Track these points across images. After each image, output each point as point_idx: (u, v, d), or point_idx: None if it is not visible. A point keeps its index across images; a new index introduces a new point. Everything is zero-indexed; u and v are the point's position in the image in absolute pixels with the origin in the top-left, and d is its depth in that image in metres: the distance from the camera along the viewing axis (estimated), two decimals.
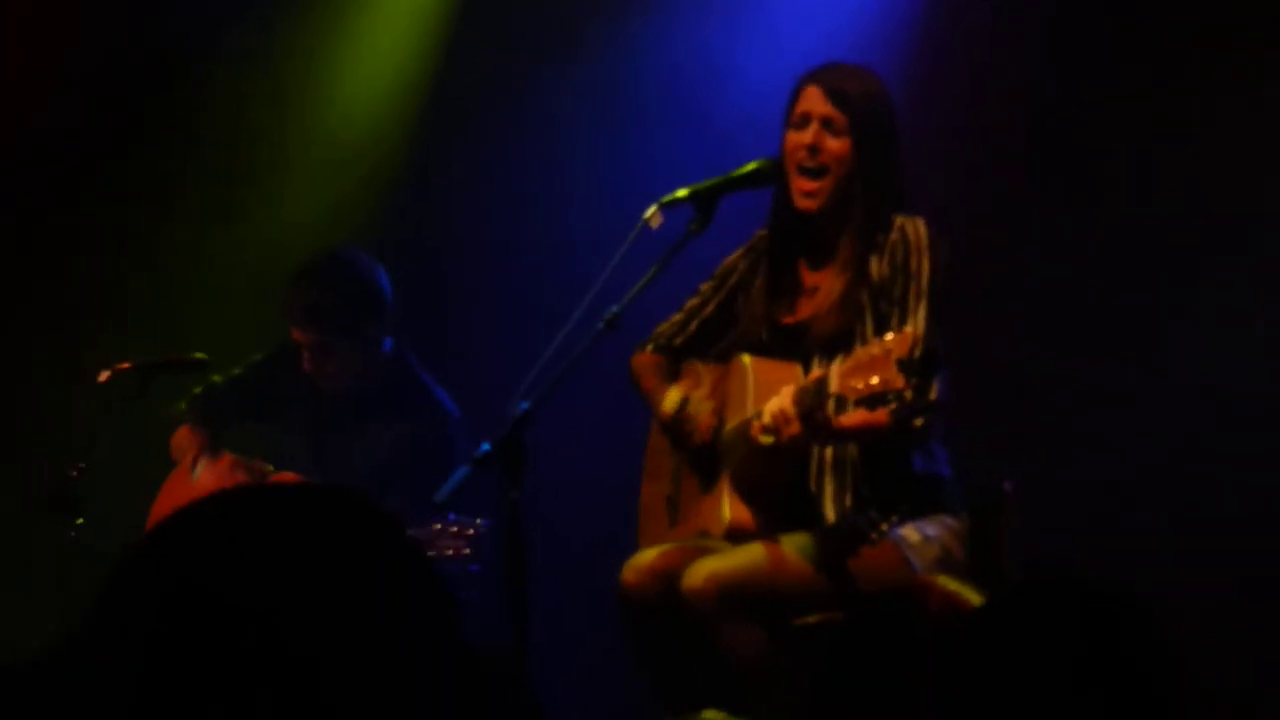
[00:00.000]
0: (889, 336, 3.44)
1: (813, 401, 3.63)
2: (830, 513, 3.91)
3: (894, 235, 3.93)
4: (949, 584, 3.84)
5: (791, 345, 3.98)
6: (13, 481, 5.45)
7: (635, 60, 5.61)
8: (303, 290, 4.89)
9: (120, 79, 5.79)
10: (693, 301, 4.25)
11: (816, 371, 3.68)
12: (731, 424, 3.99)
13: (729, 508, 3.91)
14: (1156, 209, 5.03)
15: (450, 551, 4.27)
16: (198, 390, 5.04)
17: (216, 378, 5.05)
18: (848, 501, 3.91)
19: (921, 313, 3.84)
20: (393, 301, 4.97)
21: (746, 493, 3.92)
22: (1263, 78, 4.96)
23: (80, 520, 4.39)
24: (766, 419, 3.68)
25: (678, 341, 4.26)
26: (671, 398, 4.09)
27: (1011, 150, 5.18)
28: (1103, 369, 5.05)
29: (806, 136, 3.97)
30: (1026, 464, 4.27)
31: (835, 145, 3.96)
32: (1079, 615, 2.74)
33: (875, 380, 3.42)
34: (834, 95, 3.96)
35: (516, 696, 3.63)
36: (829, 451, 3.92)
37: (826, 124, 3.97)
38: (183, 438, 5.02)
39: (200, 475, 4.89)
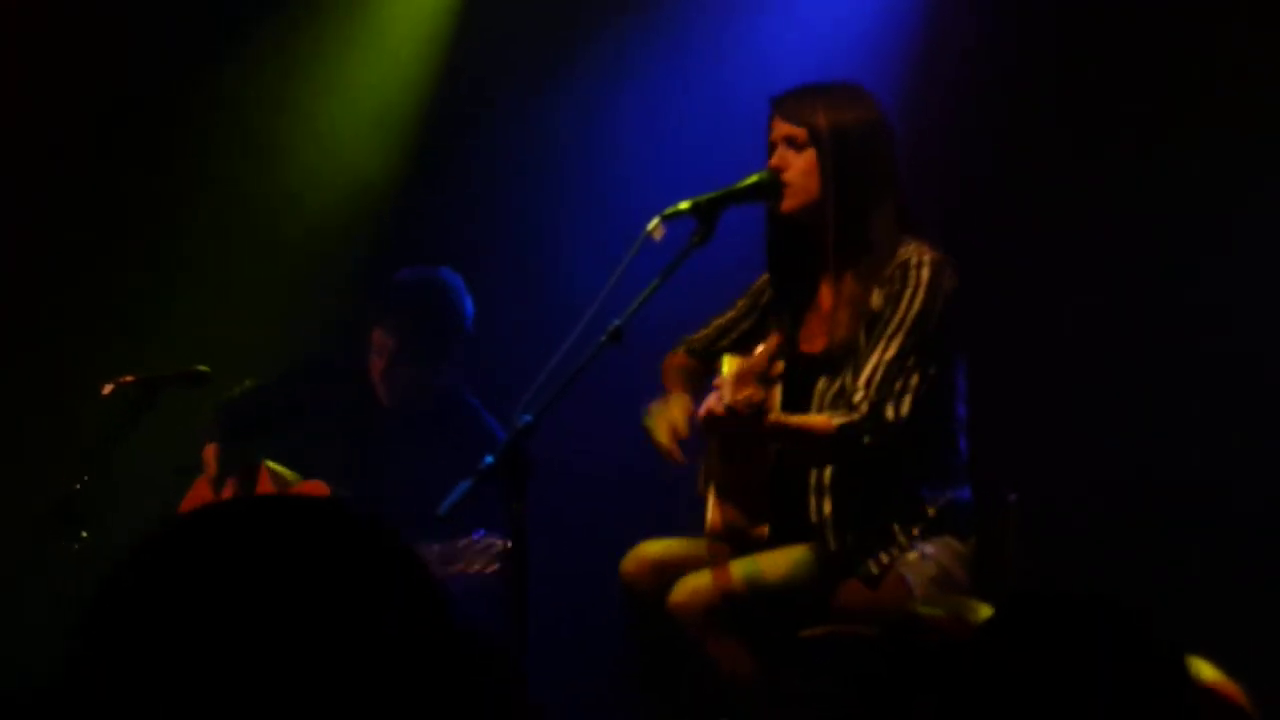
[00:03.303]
0: (758, 349, 3.53)
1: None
2: (833, 543, 3.90)
3: (897, 265, 3.92)
4: (937, 612, 3.83)
5: (808, 371, 3.98)
6: (17, 494, 5.45)
7: (640, 72, 5.61)
8: (402, 299, 5.00)
9: (126, 88, 5.80)
10: (730, 313, 4.27)
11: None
12: None
13: (710, 509, 3.95)
14: (1158, 210, 5.03)
15: (477, 566, 4.31)
16: (228, 397, 5.04)
17: (239, 386, 5.06)
18: (849, 539, 3.90)
19: (893, 347, 3.83)
20: (470, 335, 5.07)
21: (728, 495, 3.94)
22: (1261, 72, 4.96)
23: (84, 534, 4.39)
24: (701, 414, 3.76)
25: (717, 347, 4.24)
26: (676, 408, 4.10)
27: (1012, 152, 5.17)
28: (1109, 377, 5.04)
29: (774, 160, 4.01)
30: (1033, 475, 4.26)
31: (799, 161, 3.98)
32: (1081, 631, 2.72)
33: (746, 393, 3.58)
34: (790, 115, 4.00)
35: (517, 698, 3.65)
36: (826, 478, 3.92)
37: (789, 142, 4.00)
38: (210, 455, 5.02)
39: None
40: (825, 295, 4.05)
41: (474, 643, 1.73)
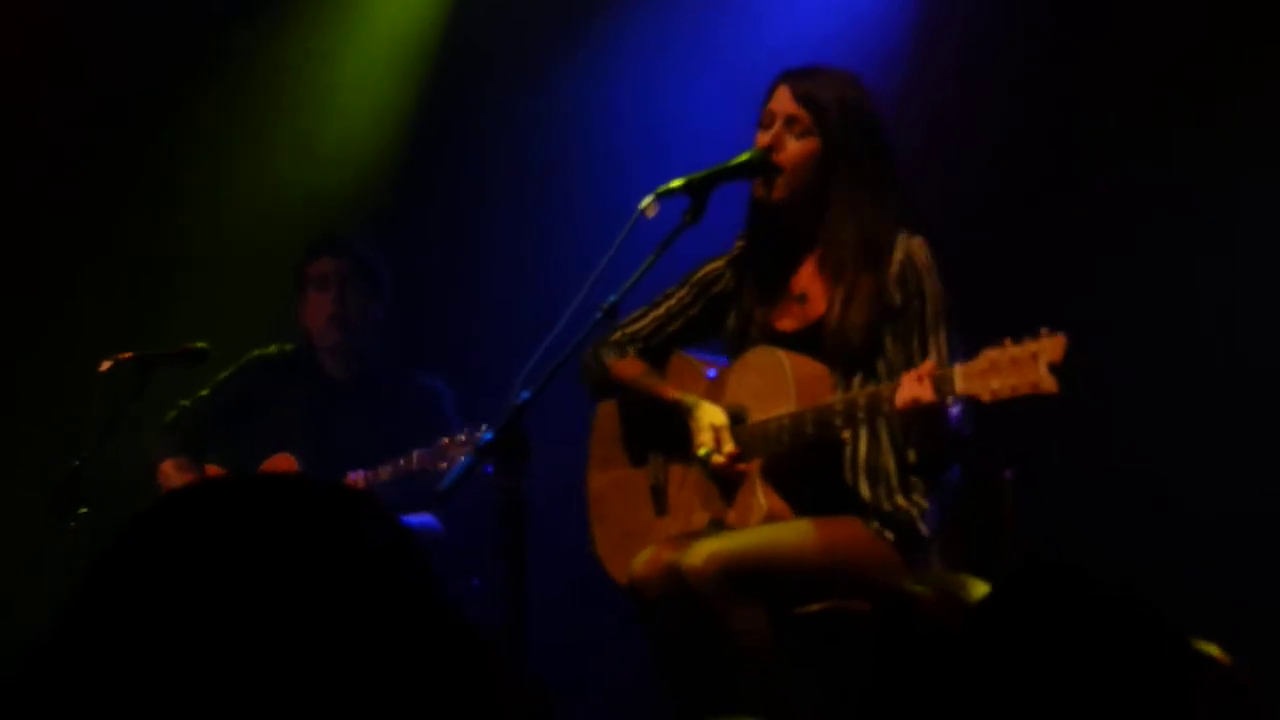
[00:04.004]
0: (1036, 341, 3.46)
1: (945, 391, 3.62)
2: (866, 492, 3.90)
3: (901, 257, 3.91)
4: (933, 591, 3.84)
5: (792, 349, 3.97)
6: (15, 472, 5.47)
7: (637, 53, 5.62)
8: (333, 230, 5.19)
9: (118, 81, 5.83)
10: (669, 303, 4.20)
11: (928, 366, 3.65)
12: (764, 415, 3.93)
13: (764, 497, 3.89)
14: (1157, 202, 5.04)
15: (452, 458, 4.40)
16: (170, 416, 5.07)
17: (185, 401, 5.10)
18: (885, 505, 3.91)
19: (943, 336, 3.86)
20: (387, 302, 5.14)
21: (782, 483, 3.91)
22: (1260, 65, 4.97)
23: (83, 510, 4.40)
24: (902, 403, 3.64)
25: (657, 341, 4.21)
26: (720, 416, 4.00)
27: (1013, 140, 5.19)
28: (1107, 356, 5.04)
29: (768, 136, 3.96)
30: (1029, 451, 4.26)
31: (796, 146, 3.95)
32: (1080, 607, 2.71)
33: (1021, 382, 3.47)
34: (801, 95, 3.94)
35: (518, 677, 3.64)
36: (862, 455, 3.92)
37: (790, 123, 3.95)
38: (170, 473, 5.01)
39: None
40: (804, 279, 4.03)
41: (470, 632, 1.72)
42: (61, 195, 5.87)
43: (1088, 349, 4.95)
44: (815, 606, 3.88)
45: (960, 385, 3.55)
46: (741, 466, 3.92)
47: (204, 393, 5.12)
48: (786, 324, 4.03)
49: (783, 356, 3.93)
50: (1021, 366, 3.47)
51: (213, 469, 5.00)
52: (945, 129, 5.20)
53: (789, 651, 3.84)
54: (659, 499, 4.15)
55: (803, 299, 4.02)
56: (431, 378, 5.15)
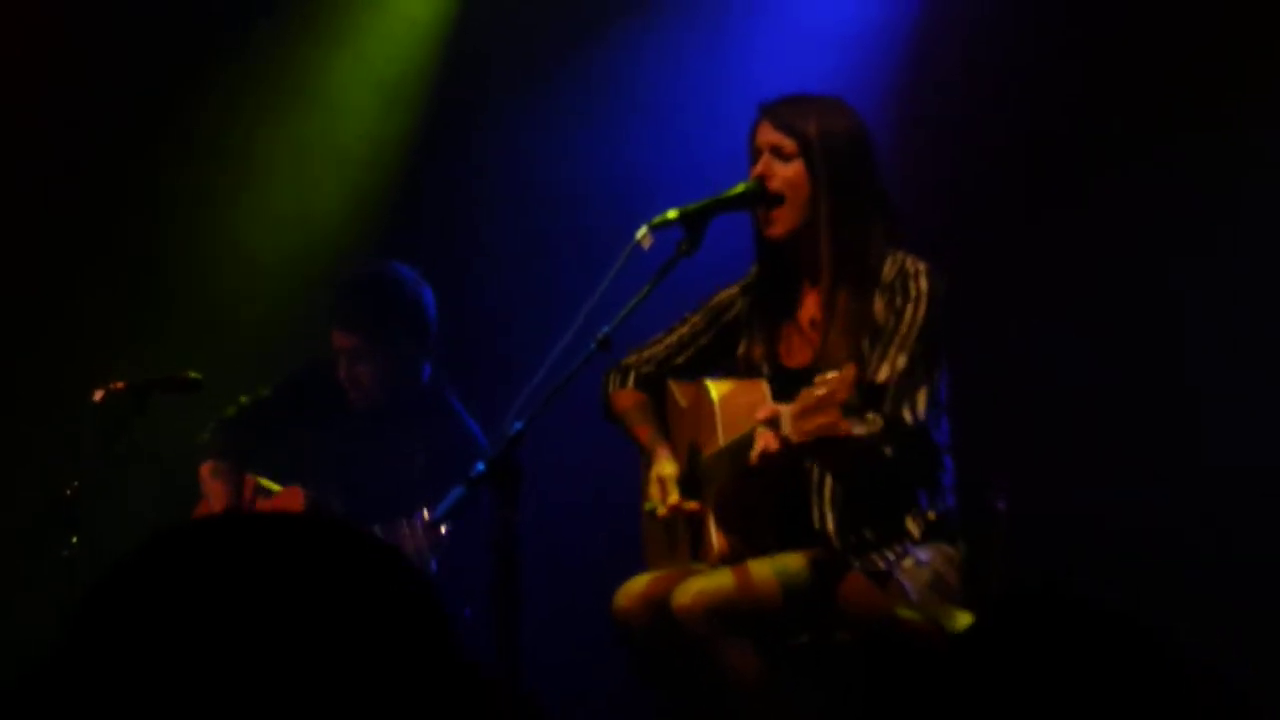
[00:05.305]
0: (830, 375, 3.44)
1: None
2: (837, 543, 3.90)
3: (895, 276, 3.92)
4: (922, 618, 3.85)
5: (792, 385, 3.96)
6: (9, 500, 5.48)
7: (629, 76, 5.61)
8: (347, 295, 5.00)
9: (118, 81, 5.83)
10: (682, 330, 4.23)
11: (774, 408, 3.62)
12: (707, 453, 3.98)
13: (716, 538, 3.91)
14: (1159, 218, 5.02)
15: (411, 548, 4.36)
16: (229, 413, 5.08)
17: (244, 398, 5.10)
18: (851, 537, 3.90)
19: (903, 358, 3.82)
20: (436, 327, 5.04)
21: (731, 520, 3.92)
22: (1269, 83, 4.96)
23: (75, 539, 4.41)
24: (756, 459, 3.64)
25: (667, 369, 4.23)
26: (669, 467, 4.04)
27: (1012, 160, 5.17)
28: (1103, 382, 5.04)
29: (759, 168, 3.99)
30: (1023, 481, 4.26)
31: (786, 171, 3.97)
32: (1069, 633, 2.72)
33: (822, 423, 3.42)
34: (781, 124, 3.97)
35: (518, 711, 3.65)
36: (828, 487, 3.92)
37: (775, 152, 3.98)
38: (205, 476, 5.02)
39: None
40: (809, 309, 4.05)
41: (474, 674, 1.72)
42: (61, 195, 5.87)
43: (1084, 354, 4.99)
44: (805, 639, 3.89)
45: (784, 428, 3.50)
46: (693, 507, 3.94)
47: (263, 392, 5.12)
48: (797, 359, 4.04)
49: (712, 389, 3.96)
50: (823, 408, 3.43)
51: (250, 479, 4.99)
52: (950, 125, 5.20)
53: (780, 680, 3.85)
54: (670, 533, 4.17)
55: (812, 327, 4.03)
56: (477, 428, 5.03)
